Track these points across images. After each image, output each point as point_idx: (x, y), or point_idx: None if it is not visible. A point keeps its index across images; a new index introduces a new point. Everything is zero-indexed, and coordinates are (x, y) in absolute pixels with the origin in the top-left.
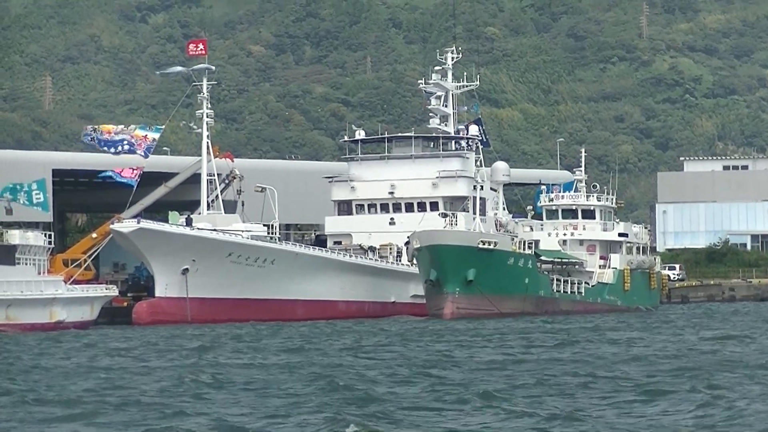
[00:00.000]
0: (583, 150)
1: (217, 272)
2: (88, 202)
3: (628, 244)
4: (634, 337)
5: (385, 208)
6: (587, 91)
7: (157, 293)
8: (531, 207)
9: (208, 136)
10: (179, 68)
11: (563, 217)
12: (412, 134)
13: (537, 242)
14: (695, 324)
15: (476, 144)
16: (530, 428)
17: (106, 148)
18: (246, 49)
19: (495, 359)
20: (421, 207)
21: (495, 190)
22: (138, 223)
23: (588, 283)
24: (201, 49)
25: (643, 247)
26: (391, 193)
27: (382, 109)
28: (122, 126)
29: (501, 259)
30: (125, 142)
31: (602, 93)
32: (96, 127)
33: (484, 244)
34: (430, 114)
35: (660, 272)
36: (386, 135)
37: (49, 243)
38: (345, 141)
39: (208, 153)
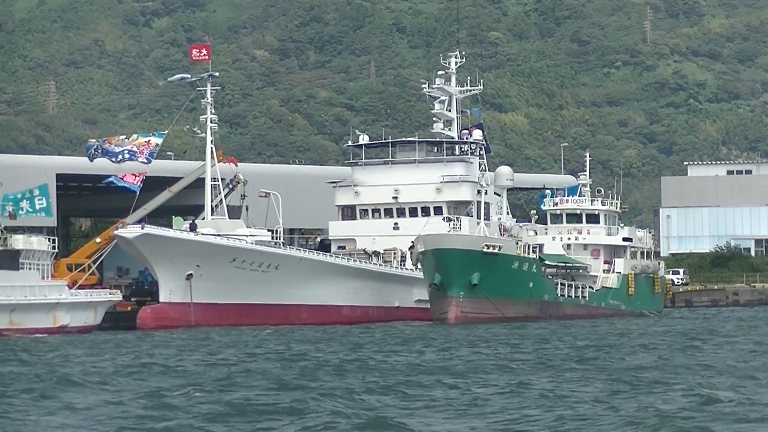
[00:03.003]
0: (587, 154)
1: (221, 277)
2: (92, 206)
3: (632, 249)
4: None
5: (389, 212)
6: (591, 95)
7: (161, 298)
8: (535, 211)
9: (212, 140)
10: (183, 76)
11: (567, 222)
12: (416, 139)
13: (541, 246)
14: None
15: (480, 148)
16: None
17: (107, 157)
18: (250, 53)
19: None
20: (425, 212)
21: (499, 195)
22: (142, 228)
23: (592, 288)
24: (204, 54)
25: (647, 252)
26: (395, 197)
27: (386, 114)
28: (123, 137)
29: (505, 264)
30: (126, 152)
31: (606, 97)
32: (99, 140)
33: (488, 248)
34: (434, 118)
35: (664, 277)
36: (390, 140)
37: (53, 248)
38: (349, 146)
39: (212, 158)
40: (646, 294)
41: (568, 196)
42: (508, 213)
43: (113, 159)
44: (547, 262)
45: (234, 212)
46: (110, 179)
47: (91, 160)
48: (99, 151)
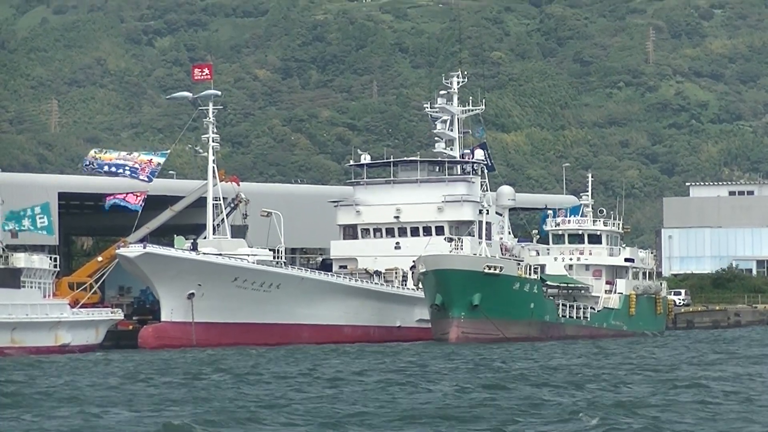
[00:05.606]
0: (589, 175)
1: (223, 296)
2: (94, 225)
3: (634, 269)
4: None
5: (390, 232)
6: (593, 116)
7: (163, 317)
8: (536, 231)
9: (213, 160)
10: (185, 94)
11: (569, 242)
12: (418, 158)
13: (543, 267)
14: None
15: (482, 168)
16: None
17: (106, 172)
18: (252, 73)
19: None
20: (427, 231)
21: (500, 215)
22: (144, 247)
23: (594, 308)
24: (206, 74)
25: (648, 272)
26: (397, 217)
27: (388, 134)
28: (125, 153)
29: (507, 284)
30: (127, 168)
31: (608, 118)
32: (96, 155)
33: (489, 269)
34: (436, 138)
35: (666, 297)
36: (392, 159)
37: (55, 266)
38: (350, 165)
39: (214, 177)
40: (648, 315)
41: (569, 216)
42: (509, 233)
43: (110, 172)
44: (548, 282)
45: (238, 232)
46: (111, 201)
47: (85, 171)
48: (96, 166)
